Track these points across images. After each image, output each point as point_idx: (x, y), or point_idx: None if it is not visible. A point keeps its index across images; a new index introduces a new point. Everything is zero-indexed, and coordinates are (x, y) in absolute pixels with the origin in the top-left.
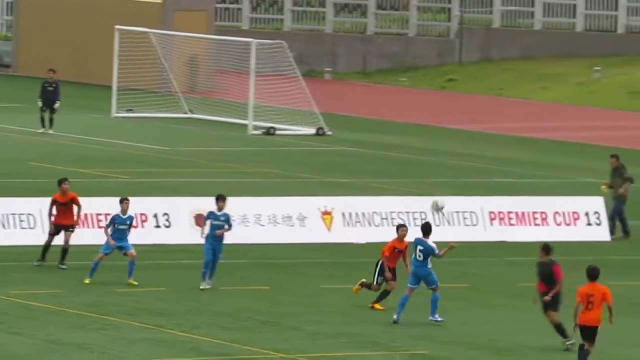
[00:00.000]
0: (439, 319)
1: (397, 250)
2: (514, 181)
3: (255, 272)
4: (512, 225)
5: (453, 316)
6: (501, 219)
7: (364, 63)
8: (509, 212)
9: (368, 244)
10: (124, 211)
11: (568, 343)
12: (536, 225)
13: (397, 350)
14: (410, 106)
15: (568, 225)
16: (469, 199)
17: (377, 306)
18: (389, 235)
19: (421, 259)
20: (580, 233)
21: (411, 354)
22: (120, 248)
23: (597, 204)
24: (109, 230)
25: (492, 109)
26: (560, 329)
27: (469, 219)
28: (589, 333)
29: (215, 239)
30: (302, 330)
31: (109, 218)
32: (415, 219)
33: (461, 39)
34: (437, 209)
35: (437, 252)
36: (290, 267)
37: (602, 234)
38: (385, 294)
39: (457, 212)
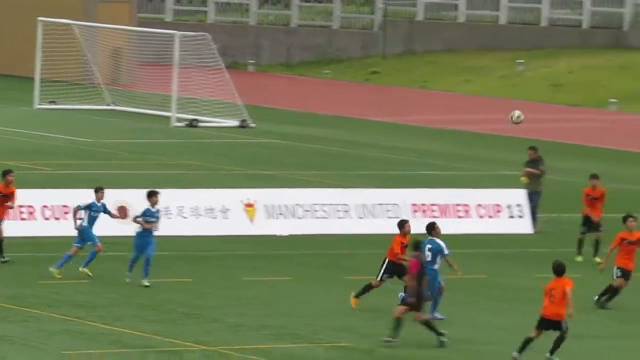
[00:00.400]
0: (439, 316)
1: (404, 246)
2: (437, 173)
3: (178, 265)
4: (434, 217)
5: (376, 309)
6: (424, 211)
7: (287, 55)
8: (432, 205)
9: (291, 236)
10: (99, 199)
11: (442, 339)
12: (459, 217)
13: (319, 342)
14: (333, 98)
15: (490, 217)
16: (392, 191)
17: (355, 301)
18: (311, 227)
19: (429, 258)
20: (502, 225)
21: (333, 346)
22: (88, 239)
23: (519, 197)
24: (82, 214)
25: (415, 102)
26: (429, 326)
27: (392, 211)
28: (549, 326)
29: (143, 235)
30: (224, 323)
31: (79, 205)
32: (338, 211)
33: (385, 32)
34: (516, 121)
35: (446, 251)
36: (212, 260)
37: (524, 226)
38: (369, 288)
39: (380, 205)
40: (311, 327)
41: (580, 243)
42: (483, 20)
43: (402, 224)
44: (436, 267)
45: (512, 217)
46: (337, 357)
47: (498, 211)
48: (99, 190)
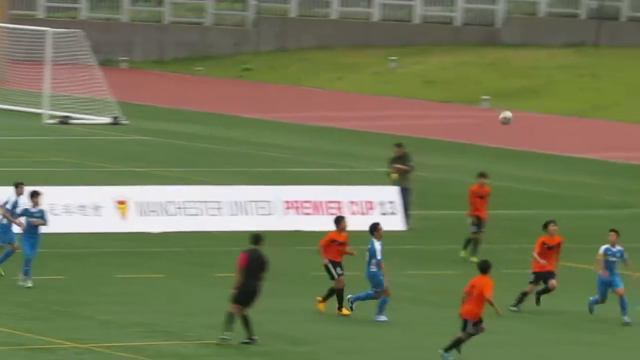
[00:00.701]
0: (383, 319)
1: (337, 243)
2: (310, 170)
3: (50, 262)
4: (307, 214)
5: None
6: (296, 208)
7: (160, 52)
8: (304, 202)
9: (163, 233)
10: (19, 194)
11: (224, 335)
12: (331, 214)
13: (189, 339)
14: (206, 95)
15: (363, 214)
16: (264, 188)
17: (345, 311)
18: (183, 224)
19: (367, 259)
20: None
21: (203, 343)
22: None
23: (391, 193)
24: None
25: (288, 98)
26: (245, 322)
27: (264, 208)
28: (463, 324)
29: (31, 234)
30: (95, 320)
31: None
32: (210, 208)
33: (257, 28)
34: (504, 121)
35: (378, 256)
36: (84, 256)
37: (396, 223)
38: (332, 293)
39: (252, 202)
40: (182, 324)
41: (470, 241)
42: (355, 16)
43: (339, 221)
44: (372, 268)
45: (384, 213)
46: (208, 354)
47: (370, 208)
48: (18, 185)
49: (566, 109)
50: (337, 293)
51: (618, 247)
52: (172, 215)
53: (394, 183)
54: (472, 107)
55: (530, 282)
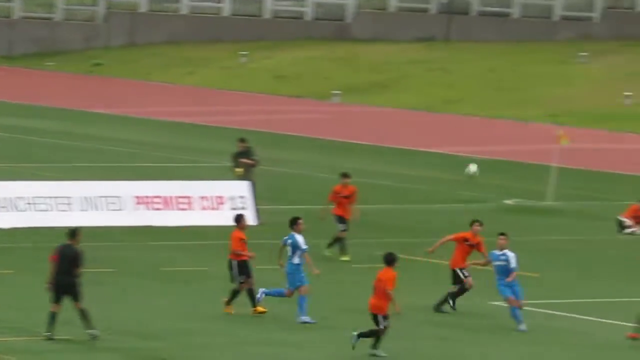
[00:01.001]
0: (305, 319)
1: (244, 241)
2: (160, 165)
3: None
4: (157, 209)
5: (100, 301)
6: (147, 204)
7: (9, 47)
8: (155, 197)
9: (12, 228)
10: None
11: (89, 332)
12: (181, 209)
13: (40, 335)
14: (56, 90)
15: (213, 209)
16: (115, 184)
17: (259, 308)
18: (33, 220)
19: (290, 253)
20: (225, 217)
21: (56, 339)
22: None
23: (242, 188)
24: None
25: (139, 93)
26: (83, 314)
27: (115, 204)
28: (373, 318)
29: None
30: None
31: None
32: (60, 204)
33: (108, 23)
34: (471, 175)
35: (303, 246)
36: None
37: (247, 217)
38: (236, 294)
39: (103, 197)
40: (32, 320)
41: (339, 240)
42: (206, 11)
43: (239, 218)
44: (296, 260)
45: (234, 208)
46: (59, 349)
47: (221, 203)
48: None
49: (416, 103)
50: (248, 293)
51: (505, 252)
52: (21, 211)
53: (238, 178)
54: (323, 102)
55: (467, 277)
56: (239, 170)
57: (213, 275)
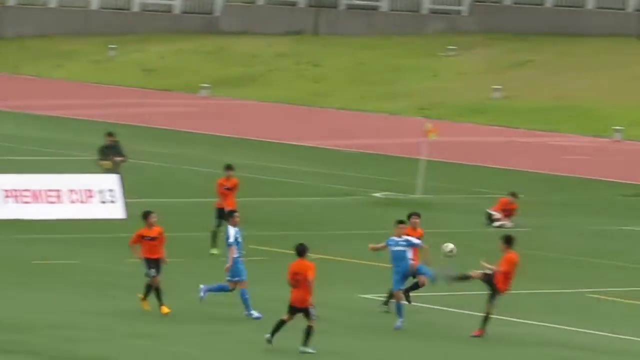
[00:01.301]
0: (254, 315)
1: (148, 238)
2: (28, 159)
3: None
4: (26, 203)
5: None
6: (15, 197)
7: None
8: (24, 190)
9: None
10: None
11: None
12: (50, 202)
13: None
14: None
15: (82, 202)
16: None
17: (164, 309)
18: None
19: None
20: (94, 210)
21: None
22: None
23: (111, 182)
24: None
25: (7, 87)
26: None
27: None
28: (299, 312)
29: None
30: None
31: None
32: None
33: None
34: (448, 254)
35: (230, 239)
36: None
37: (116, 211)
38: (150, 288)
39: None
40: None
41: (214, 235)
42: (74, 5)
43: (146, 215)
44: (236, 254)
45: (104, 202)
46: None
47: (90, 196)
48: None
49: (285, 96)
50: (154, 290)
51: (405, 237)
52: None
53: (106, 171)
54: (191, 95)
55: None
56: (106, 163)
57: (83, 269)
